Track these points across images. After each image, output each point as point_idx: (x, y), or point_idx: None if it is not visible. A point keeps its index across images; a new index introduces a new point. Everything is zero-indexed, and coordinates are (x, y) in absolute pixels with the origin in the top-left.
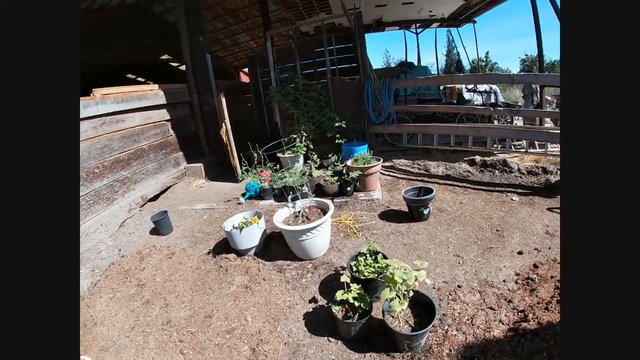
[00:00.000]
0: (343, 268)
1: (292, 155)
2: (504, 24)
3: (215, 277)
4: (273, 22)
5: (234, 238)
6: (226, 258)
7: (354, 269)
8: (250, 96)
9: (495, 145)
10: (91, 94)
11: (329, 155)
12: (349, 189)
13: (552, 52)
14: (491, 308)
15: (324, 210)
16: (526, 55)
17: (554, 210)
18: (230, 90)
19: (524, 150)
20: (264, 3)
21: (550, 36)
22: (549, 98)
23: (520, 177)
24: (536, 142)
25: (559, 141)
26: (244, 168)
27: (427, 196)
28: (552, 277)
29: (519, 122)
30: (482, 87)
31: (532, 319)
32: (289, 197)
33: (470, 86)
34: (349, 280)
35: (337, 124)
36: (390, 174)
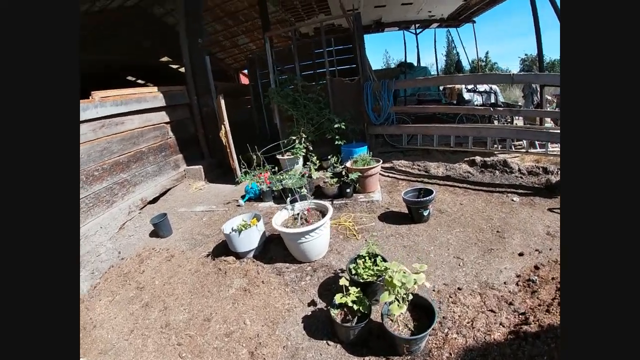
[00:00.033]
0: (342, 270)
1: (292, 157)
2: (503, 24)
3: (214, 279)
4: (272, 24)
5: (232, 241)
6: (225, 261)
7: (353, 271)
8: (249, 98)
9: (495, 146)
10: (90, 97)
11: (329, 157)
12: (348, 190)
13: (552, 52)
14: (492, 310)
15: (323, 213)
16: (526, 55)
17: (554, 210)
18: (229, 92)
19: (524, 151)
20: (263, 5)
21: (550, 35)
22: (549, 97)
23: (521, 177)
24: (537, 142)
25: (559, 141)
26: (243, 170)
27: (427, 197)
28: (553, 278)
29: (519, 122)
30: (482, 87)
31: (533, 321)
32: (288, 200)
33: (470, 86)
34: (347, 284)
35: (336, 126)
36: (390, 175)
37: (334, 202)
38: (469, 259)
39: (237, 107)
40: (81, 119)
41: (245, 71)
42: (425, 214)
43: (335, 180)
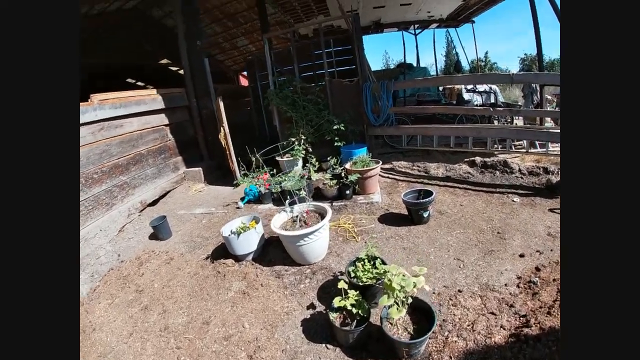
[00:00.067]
0: (342, 273)
1: (291, 158)
2: (503, 24)
3: (213, 282)
4: (272, 25)
5: (231, 243)
6: (224, 263)
7: (352, 274)
8: (249, 100)
9: (495, 146)
10: (89, 100)
11: (328, 158)
12: (348, 192)
13: (551, 51)
14: (492, 313)
15: (322, 215)
16: (525, 54)
17: (555, 211)
18: (229, 94)
19: (524, 151)
20: (262, 6)
21: (549, 34)
22: (549, 97)
23: (521, 177)
24: (537, 142)
25: (559, 140)
26: (242, 173)
27: (427, 199)
28: (554, 280)
29: (519, 121)
30: (481, 88)
31: (534, 324)
32: (287, 202)
33: (469, 87)
34: (346, 287)
35: (335, 127)
36: (390, 176)
37: (334, 203)
38: (470, 261)
39: (236, 109)
40: (80, 121)
41: (245, 73)
42: (425, 215)
43: (334, 181)
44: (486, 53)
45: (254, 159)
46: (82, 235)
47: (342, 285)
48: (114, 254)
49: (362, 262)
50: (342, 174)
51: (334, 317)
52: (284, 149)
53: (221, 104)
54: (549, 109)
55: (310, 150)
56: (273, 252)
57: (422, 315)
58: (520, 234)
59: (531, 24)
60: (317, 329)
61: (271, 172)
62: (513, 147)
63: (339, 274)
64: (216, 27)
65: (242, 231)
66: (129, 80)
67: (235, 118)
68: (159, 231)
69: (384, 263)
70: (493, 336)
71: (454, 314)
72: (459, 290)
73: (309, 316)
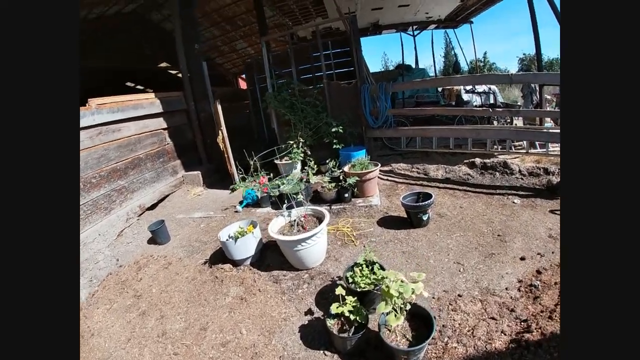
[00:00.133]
0: (340, 278)
1: (290, 161)
2: (501, 24)
3: (211, 288)
4: (270, 28)
5: (229, 248)
6: (222, 268)
7: (350, 280)
8: (248, 102)
9: (495, 147)
10: (87, 104)
11: (327, 161)
12: (346, 195)
13: (550, 51)
14: (493, 318)
15: (320, 219)
16: (524, 54)
17: (556, 212)
18: (227, 97)
19: (524, 151)
20: (261, 9)
21: (548, 34)
22: (548, 97)
23: (522, 178)
24: (537, 143)
25: (559, 141)
26: (240, 176)
27: (426, 202)
28: (555, 283)
29: (518, 122)
30: (480, 88)
31: (536, 329)
32: (284, 206)
33: (468, 87)
34: (344, 293)
35: (334, 129)
36: (389, 178)
37: (332, 207)
38: (470, 264)
39: (235, 112)
40: None
41: (244, 76)
42: (425, 218)
43: (333, 184)
44: (485, 53)
45: (252, 162)
46: (81, 240)
47: (339, 291)
48: (113, 259)
49: (360, 268)
50: (341, 177)
51: (331, 323)
52: (283, 152)
53: (219, 107)
54: (548, 108)
55: (309, 153)
56: (271, 256)
57: (420, 321)
58: (521, 236)
59: (530, 24)
60: (315, 336)
61: (269, 177)
62: (513, 147)
63: (337, 278)
64: (215, 30)
65: (240, 236)
66: (128, 83)
67: (234, 121)
68: (158, 235)
69: (382, 268)
70: (493, 342)
71: (454, 319)
72: (459, 295)
73: (306, 322)
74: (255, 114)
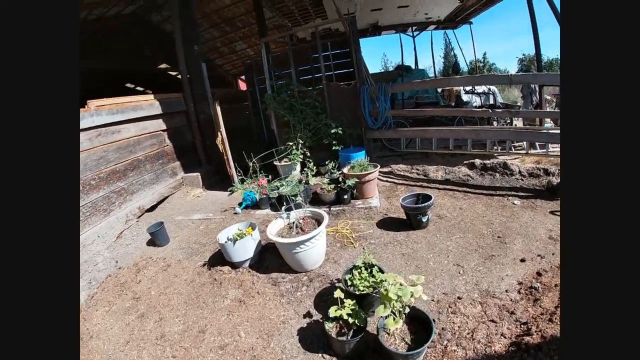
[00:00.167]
0: (339, 280)
1: (289, 163)
2: (500, 24)
3: (210, 290)
4: (270, 29)
5: (227, 250)
6: (221, 271)
7: (349, 283)
8: (248, 104)
9: (495, 147)
10: (86, 106)
11: (326, 162)
12: (345, 197)
13: (550, 51)
14: (492, 321)
15: (319, 221)
16: (524, 54)
17: (556, 213)
18: (227, 98)
19: (524, 152)
20: (260, 11)
21: (547, 34)
22: (548, 97)
23: (522, 179)
24: (537, 143)
25: (559, 141)
26: (239, 178)
27: (425, 203)
28: (556, 285)
29: (518, 122)
30: (480, 89)
31: (536, 332)
32: (283, 208)
33: (468, 88)
34: (342, 296)
35: (333, 131)
36: (389, 179)
37: (332, 208)
38: (469, 266)
39: (235, 113)
40: None
41: (243, 77)
42: (424, 220)
43: (332, 186)
44: (484, 54)
45: (251, 164)
46: (80, 242)
47: (338, 294)
48: (112, 261)
49: (359, 270)
50: (340, 179)
51: (329, 326)
52: (282, 153)
53: (218, 109)
54: (548, 109)
55: (308, 154)
56: (270, 258)
57: (419, 324)
58: (521, 238)
59: (529, 24)
60: (313, 339)
61: (267, 177)
62: (513, 148)
63: (336, 281)
64: (214, 31)
65: (238, 238)
66: (128, 85)
67: (233, 122)
68: (157, 237)
69: (381, 271)
70: (493, 345)
71: (454, 322)
72: (459, 297)
73: (305, 325)
74: (255, 115)
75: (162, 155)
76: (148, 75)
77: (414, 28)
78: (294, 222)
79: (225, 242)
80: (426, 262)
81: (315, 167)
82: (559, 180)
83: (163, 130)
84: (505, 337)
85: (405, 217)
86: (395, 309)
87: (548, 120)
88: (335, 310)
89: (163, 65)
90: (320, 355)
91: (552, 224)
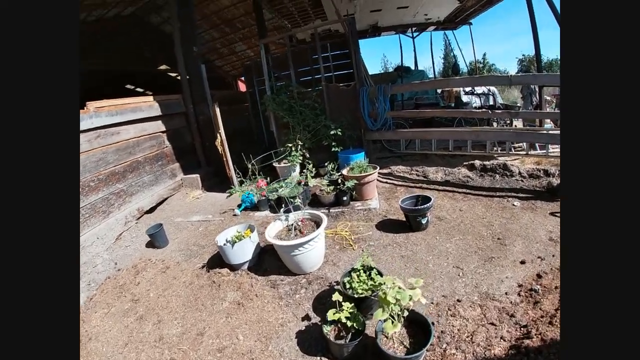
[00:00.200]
0: (338, 283)
1: (288, 164)
2: (500, 25)
3: (208, 292)
4: (269, 30)
5: (226, 253)
6: (219, 273)
7: (347, 285)
8: (247, 105)
9: (495, 148)
10: (85, 107)
11: (326, 164)
12: (345, 198)
13: (550, 51)
14: (492, 324)
15: (318, 223)
16: (523, 55)
17: (556, 214)
18: (227, 99)
19: (524, 153)
20: (260, 12)
21: (546, 34)
22: (548, 98)
23: (522, 180)
24: (537, 144)
25: (559, 142)
26: (238, 179)
27: (425, 205)
28: (556, 287)
29: (518, 123)
30: (480, 90)
31: (535, 335)
32: (282, 210)
33: (468, 89)
34: (341, 299)
35: (332, 132)
36: (388, 181)
37: (331, 210)
38: (469, 269)
39: (234, 115)
40: None
41: (243, 78)
42: (424, 222)
43: (331, 188)
44: (484, 54)
45: (250, 165)
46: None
47: (336, 297)
48: (111, 262)
49: (358, 273)
50: (339, 180)
51: (327, 330)
52: (281, 154)
53: (217, 111)
54: (548, 109)
55: (308, 155)
56: (269, 260)
57: (418, 328)
58: (521, 240)
59: (529, 25)
60: (312, 342)
61: (267, 179)
62: (513, 149)
63: (335, 283)
64: (214, 32)
65: (237, 240)
66: (128, 86)
67: (233, 124)
68: (156, 239)
69: (380, 273)
70: (493, 348)
71: (453, 325)
72: (458, 300)
73: (303, 328)
74: (254, 117)
75: (162, 156)
76: (148, 77)
77: (413, 29)
78: (292, 225)
79: (224, 244)
80: (425, 265)
81: (314, 169)
82: (559, 181)
83: (162, 132)
84: (505, 340)
85: (404, 219)
86: (394, 312)
87: (548, 121)
88: (334, 314)
89: (163, 67)
90: (318, 358)
91: (552, 225)
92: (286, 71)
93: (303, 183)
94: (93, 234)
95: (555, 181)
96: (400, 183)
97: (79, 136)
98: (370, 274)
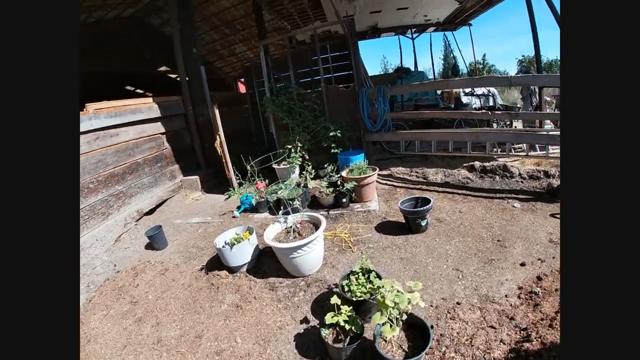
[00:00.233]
0: (337, 285)
1: (288, 166)
2: (500, 25)
3: (207, 295)
4: (269, 32)
5: (225, 255)
6: (218, 275)
7: (346, 288)
8: (247, 107)
9: (495, 149)
10: (84, 109)
11: (325, 165)
12: (344, 200)
13: (550, 52)
14: (492, 327)
15: (316, 225)
16: (523, 56)
17: (557, 216)
18: (226, 101)
19: (524, 154)
20: (260, 13)
21: (546, 35)
22: (548, 99)
23: (522, 182)
24: (537, 145)
25: (559, 143)
26: (237, 181)
27: (424, 207)
28: (556, 289)
29: (518, 124)
30: (479, 91)
31: (535, 338)
32: (280, 212)
33: (467, 90)
34: (339, 302)
35: (332, 134)
36: (388, 182)
37: (330, 212)
38: (469, 271)
39: (234, 116)
40: None
41: (243, 79)
42: (423, 224)
43: (331, 189)
44: (484, 55)
45: (249, 167)
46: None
47: (335, 300)
48: (110, 264)
49: (356, 276)
50: (339, 182)
51: (326, 333)
52: (281, 156)
53: (217, 112)
54: (548, 110)
55: (307, 157)
56: (267, 263)
57: (417, 331)
58: (521, 242)
59: (529, 25)
60: (310, 345)
61: (266, 181)
62: (513, 150)
63: (334, 286)
64: (214, 34)
65: (236, 242)
66: (128, 87)
67: (233, 125)
68: (155, 241)
69: (378, 276)
70: (492, 351)
71: (452, 328)
72: (458, 303)
73: (302, 331)
74: (254, 118)
75: (161, 158)
76: (148, 78)
77: (413, 30)
78: (291, 227)
79: (223, 246)
80: (425, 267)
81: (314, 170)
82: (559, 183)
83: (162, 133)
84: (504, 344)
85: (404, 221)
86: (392, 316)
87: (548, 121)
88: (332, 317)
89: (163, 68)
90: None
91: (552, 227)
92: (286, 72)
93: (302, 185)
94: (92, 235)
95: (556, 182)
96: (399, 184)
97: (79, 138)
98: (369, 277)
